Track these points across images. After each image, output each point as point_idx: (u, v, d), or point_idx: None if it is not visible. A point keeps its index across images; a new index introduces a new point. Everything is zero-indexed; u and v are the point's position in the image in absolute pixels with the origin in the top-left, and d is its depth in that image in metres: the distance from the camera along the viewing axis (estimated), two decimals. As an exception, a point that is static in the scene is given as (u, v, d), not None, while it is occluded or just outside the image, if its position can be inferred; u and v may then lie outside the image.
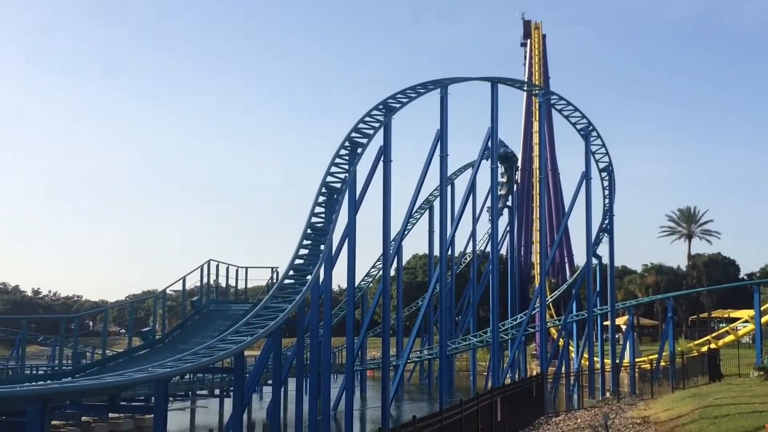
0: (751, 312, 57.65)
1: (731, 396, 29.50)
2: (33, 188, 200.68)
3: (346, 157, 37.61)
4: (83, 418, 32.13)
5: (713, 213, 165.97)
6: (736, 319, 71.51)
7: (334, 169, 37.18)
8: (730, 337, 60.91)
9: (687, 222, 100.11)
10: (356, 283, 42.73)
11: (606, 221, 54.46)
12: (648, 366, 51.52)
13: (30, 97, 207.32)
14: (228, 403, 38.47)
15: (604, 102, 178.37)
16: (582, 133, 52.44)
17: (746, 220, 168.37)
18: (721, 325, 77.71)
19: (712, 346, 56.06)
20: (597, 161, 53.58)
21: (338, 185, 36.97)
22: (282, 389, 39.14)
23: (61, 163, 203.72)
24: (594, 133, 52.30)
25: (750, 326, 59.29)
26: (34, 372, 38.47)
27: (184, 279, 36.18)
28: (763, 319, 54.82)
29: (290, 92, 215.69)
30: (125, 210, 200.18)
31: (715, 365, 43.37)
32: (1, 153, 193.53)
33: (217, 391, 40.32)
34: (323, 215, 36.29)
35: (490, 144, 49.32)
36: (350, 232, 37.16)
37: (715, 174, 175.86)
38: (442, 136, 43.94)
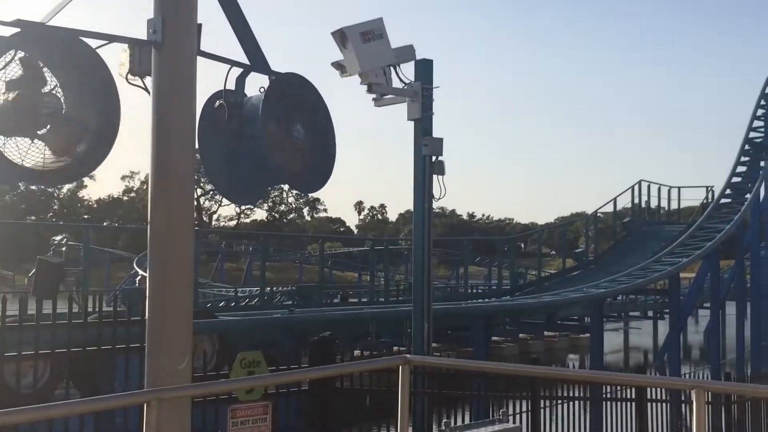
0: None
1: None
2: (459, 118, 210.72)
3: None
4: (520, 335, 33.56)
5: None
6: None
7: (774, 78, 34.49)
8: None
9: None
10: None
11: None
12: None
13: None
14: (662, 325, 37.86)
15: None
16: None
17: None
18: None
19: None
20: None
21: (780, 96, 34.26)
22: (720, 312, 37.62)
23: (477, 92, 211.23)
24: None
25: None
26: (474, 290, 40.83)
27: (614, 200, 35.96)
28: None
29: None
30: (553, 135, 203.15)
31: None
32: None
33: (650, 313, 39.82)
34: (762, 129, 33.90)
35: None
36: (793, 146, 34.38)
37: None
38: None
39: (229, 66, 5.84)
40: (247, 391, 6.97)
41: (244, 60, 5.93)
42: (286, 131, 6.06)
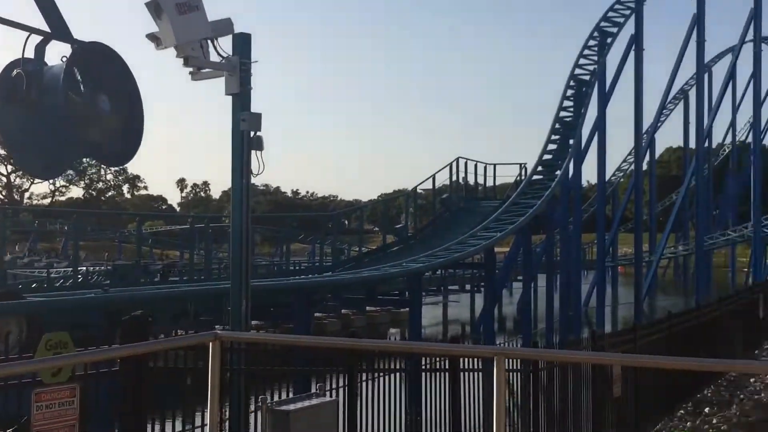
0: None
1: None
2: (286, 95, 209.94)
3: (595, 48, 36.41)
4: (343, 311, 33.91)
5: None
6: None
7: (582, 61, 36.17)
8: None
9: None
10: (606, 178, 41.68)
11: None
12: None
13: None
14: (479, 298, 39.17)
15: None
16: None
17: None
18: None
19: None
20: None
21: (587, 77, 35.97)
22: (532, 285, 39.33)
23: (306, 70, 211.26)
24: None
25: None
26: (297, 267, 40.89)
27: (433, 177, 36.81)
28: None
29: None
30: (374, 114, 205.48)
31: None
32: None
33: (468, 287, 41.10)
34: (572, 109, 35.52)
35: (753, 26, 45.86)
36: (600, 126, 36.19)
37: None
38: (698, 21, 41.34)
39: (28, 33, 5.55)
40: (53, 373, 6.68)
41: (45, 27, 5.65)
42: (89, 102, 5.83)
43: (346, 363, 11.66)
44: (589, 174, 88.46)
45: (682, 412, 16.49)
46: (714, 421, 15.60)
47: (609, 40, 36.65)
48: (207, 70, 12.65)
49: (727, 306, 22.11)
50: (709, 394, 17.72)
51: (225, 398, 10.70)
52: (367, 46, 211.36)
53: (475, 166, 38.20)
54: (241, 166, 12.65)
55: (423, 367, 13.93)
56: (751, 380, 17.88)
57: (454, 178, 37.49)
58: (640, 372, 14.86)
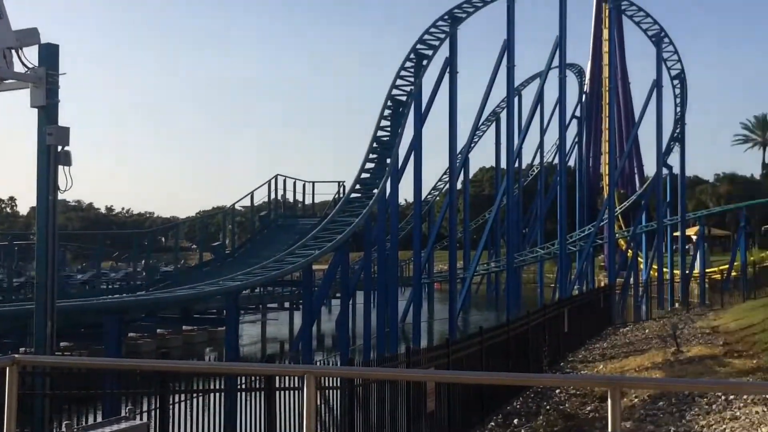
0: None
1: (805, 306, 29.05)
2: (104, 109, 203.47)
3: (412, 70, 37.24)
4: (158, 331, 33.06)
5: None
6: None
7: (399, 81, 36.89)
8: (804, 247, 59.67)
9: (762, 130, 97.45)
10: (423, 197, 42.73)
11: (677, 130, 53.28)
12: (718, 276, 50.88)
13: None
14: (298, 315, 39.16)
15: (677, 7, 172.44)
16: (653, 39, 50.96)
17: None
18: (795, 235, 76.13)
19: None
20: (669, 69, 52.14)
21: (404, 98, 36.72)
22: (350, 302, 39.68)
23: (126, 83, 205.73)
24: (666, 40, 50.80)
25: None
26: (110, 286, 39.56)
27: (252, 194, 36.67)
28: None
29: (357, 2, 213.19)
30: (192, 130, 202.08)
31: (789, 275, 42.75)
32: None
33: (286, 304, 41.02)
34: (389, 129, 36.17)
35: (558, 53, 48.25)
36: (416, 145, 37.02)
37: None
38: (509, 46, 43.12)
39: None
40: None
41: None
42: None
43: (159, 385, 11.39)
44: (406, 192, 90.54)
45: (492, 424, 17.03)
46: (522, 431, 16.21)
47: (425, 62, 37.61)
48: (10, 81, 12.11)
49: (535, 320, 23.07)
50: (518, 406, 18.40)
51: (26, 425, 10.20)
52: (183, 58, 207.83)
53: (294, 183, 38.35)
54: (47, 182, 12.15)
55: (239, 386, 13.79)
56: (556, 391, 18.69)
57: (273, 195, 37.44)
58: (453, 386, 15.26)
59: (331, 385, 13.92)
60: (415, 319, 36.48)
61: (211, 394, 13.62)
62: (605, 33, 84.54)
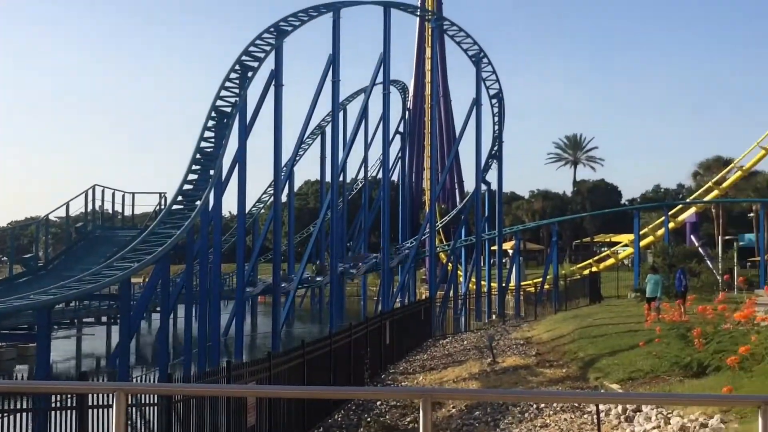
0: (631, 236, 59.75)
1: (609, 316, 30.67)
2: None
3: (237, 81, 36.90)
4: (-37, 348, 31.25)
5: (598, 141, 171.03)
6: (617, 243, 74.24)
7: (224, 93, 36.46)
8: (610, 261, 63.26)
9: (573, 149, 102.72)
10: (247, 209, 42.40)
11: (495, 148, 55.24)
12: (533, 289, 53.16)
13: None
14: (116, 330, 37.95)
15: (496, 29, 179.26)
16: (473, 59, 52.71)
17: (629, 149, 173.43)
18: (603, 249, 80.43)
19: (594, 269, 58.12)
20: (488, 88, 54.05)
21: (228, 109, 36.31)
22: (171, 316, 38.82)
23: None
24: (485, 60, 52.64)
25: (629, 250, 61.69)
26: None
27: (67, 204, 35.30)
28: (642, 243, 57.04)
29: (181, 6, 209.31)
30: (6, 136, 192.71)
31: (596, 288, 45.07)
32: None
33: (104, 319, 39.70)
34: (213, 140, 35.66)
35: (382, 69, 49.08)
36: (241, 157, 36.69)
37: (602, 103, 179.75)
38: (334, 61, 43.53)
39: None
40: None
41: None
42: None
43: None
44: (230, 204, 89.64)
45: (313, 437, 17.07)
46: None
47: (250, 73, 37.35)
48: None
49: (357, 333, 23.29)
50: (339, 419, 18.51)
51: None
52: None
53: (113, 194, 37.21)
54: None
55: (54, 405, 13.22)
56: (377, 403, 18.93)
57: (91, 206, 36.18)
58: (275, 400, 15.18)
59: (149, 402, 13.55)
60: (237, 333, 36.07)
61: (19, 414, 13.01)
62: (428, 51, 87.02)
